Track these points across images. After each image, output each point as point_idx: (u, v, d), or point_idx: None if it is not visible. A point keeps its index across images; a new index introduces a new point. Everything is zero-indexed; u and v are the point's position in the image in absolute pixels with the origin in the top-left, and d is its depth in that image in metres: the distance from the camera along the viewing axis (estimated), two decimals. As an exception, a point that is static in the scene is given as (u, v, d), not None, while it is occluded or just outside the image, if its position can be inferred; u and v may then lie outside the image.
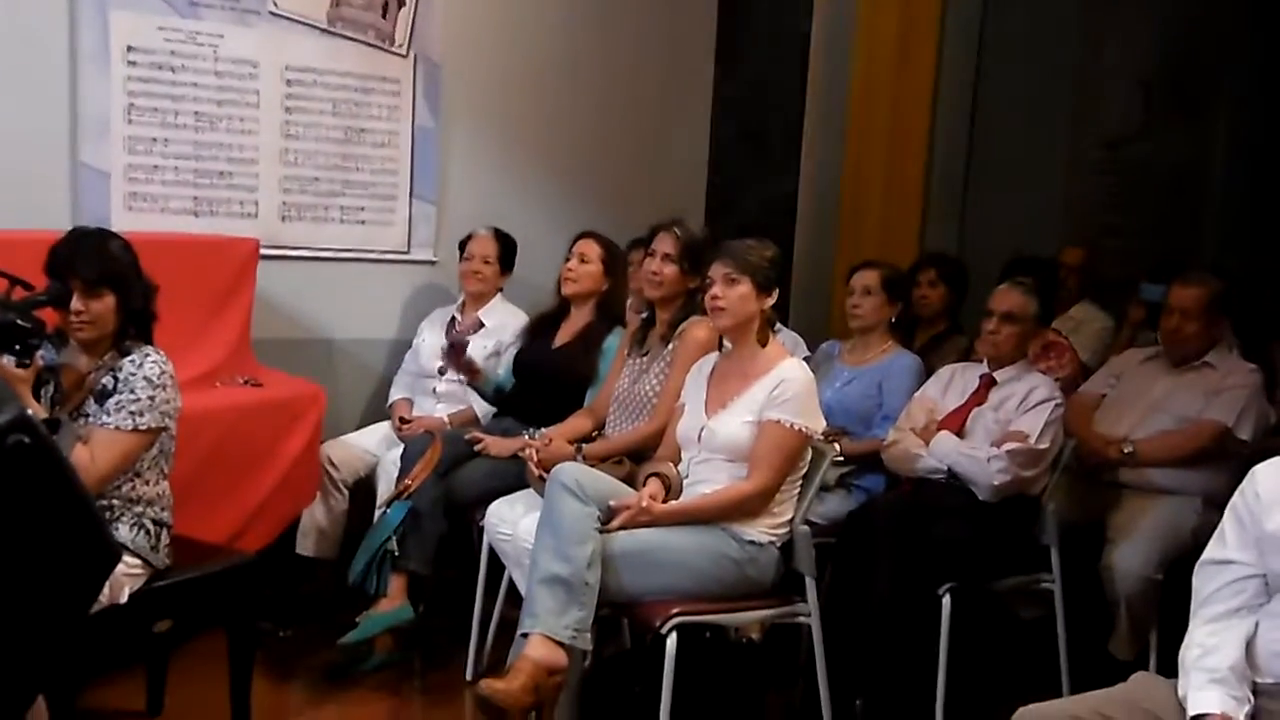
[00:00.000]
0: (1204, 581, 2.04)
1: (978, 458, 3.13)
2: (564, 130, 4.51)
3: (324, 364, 4.03)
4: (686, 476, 2.85)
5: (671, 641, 2.58)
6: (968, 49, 5.43)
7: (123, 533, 2.53)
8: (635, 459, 3.06)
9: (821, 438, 2.85)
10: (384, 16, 4.04)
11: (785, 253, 3.75)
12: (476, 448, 3.44)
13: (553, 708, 2.65)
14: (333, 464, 3.67)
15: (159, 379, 2.53)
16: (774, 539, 2.77)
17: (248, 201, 3.89)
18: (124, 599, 2.50)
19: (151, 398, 2.51)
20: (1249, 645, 1.95)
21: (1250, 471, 2.05)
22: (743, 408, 2.78)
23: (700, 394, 2.90)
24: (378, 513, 3.43)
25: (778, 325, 3.20)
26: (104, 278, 2.51)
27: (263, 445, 3.34)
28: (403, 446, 3.53)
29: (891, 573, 2.97)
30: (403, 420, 3.81)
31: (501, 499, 3.20)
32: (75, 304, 2.49)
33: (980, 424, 3.24)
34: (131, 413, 2.49)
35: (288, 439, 3.40)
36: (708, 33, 4.87)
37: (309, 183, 4.00)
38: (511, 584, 3.16)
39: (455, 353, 3.65)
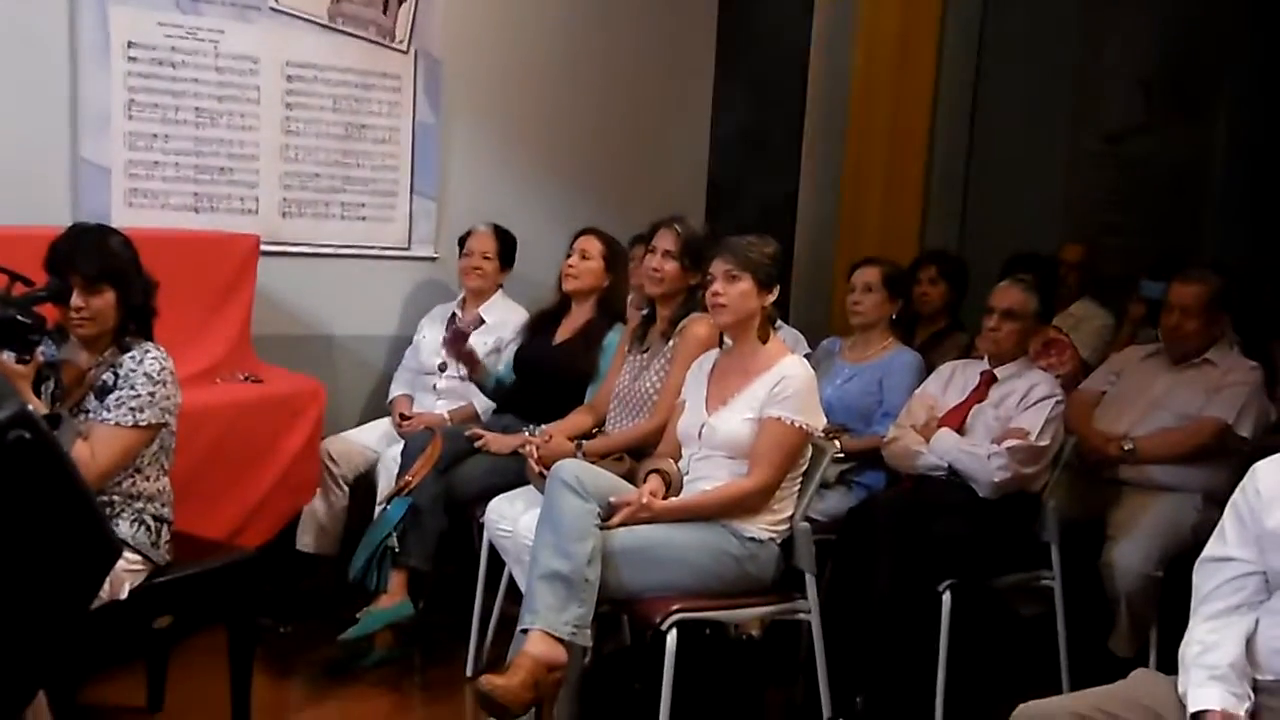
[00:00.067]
0: (1204, 578, 2.04)
1: (978, 455, 3.13)
2: (565, 127, 4.51)
3: (324, 360, 4.03)
4: (687, 473, 2.85)
5: (671, 638, 2.58)
6: (968, 49, 5.43)
7: (123, 529, 2.53)
8: (635, 456, 3.05)
9: (822, 435, 2.85)
10: (385, 12, 4.04)
11: (786, 251, 3.75)
12: (477, 444, 3.44)
13: (552, 704, 2.65)
14: (333, 460, 3.68)
15: (159, 375, 2.53)
16: (774, 536, 2.77)
17: (248, 197, 3.89)
18: (124, 595, 2.50)
19: (152, 394, 2.51)
20: (1249, 642, 1.95)
21: (1251, 469, 2.05)
22: (743, 404, 2.78)
23: (701, 391, 2.90)
24: (378, 509, 3.43)
25: (778, 322, 3.21)
26: (104, 274, 2.51)
27: (263, 441, 3.34)
28: (403, 443, 3.53)
29: (892, 569, 2.97)
30: (403, 416, 3.81)
31: (502, 495, 3.21)
32: (75, 300, 2.49)
33: (981, 421, 3.24)
34: (132, 409, 2.49)
35: (288, 435, 3.41)
36: (708, 32, 4.87)
37: (309, 179, 4.00)
38: (511, 580, 3.16)
39: (456, 341, 3.63)
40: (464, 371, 3.70)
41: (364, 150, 4.08)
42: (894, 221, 5.14)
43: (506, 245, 3.99)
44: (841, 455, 3.21)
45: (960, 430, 3.24)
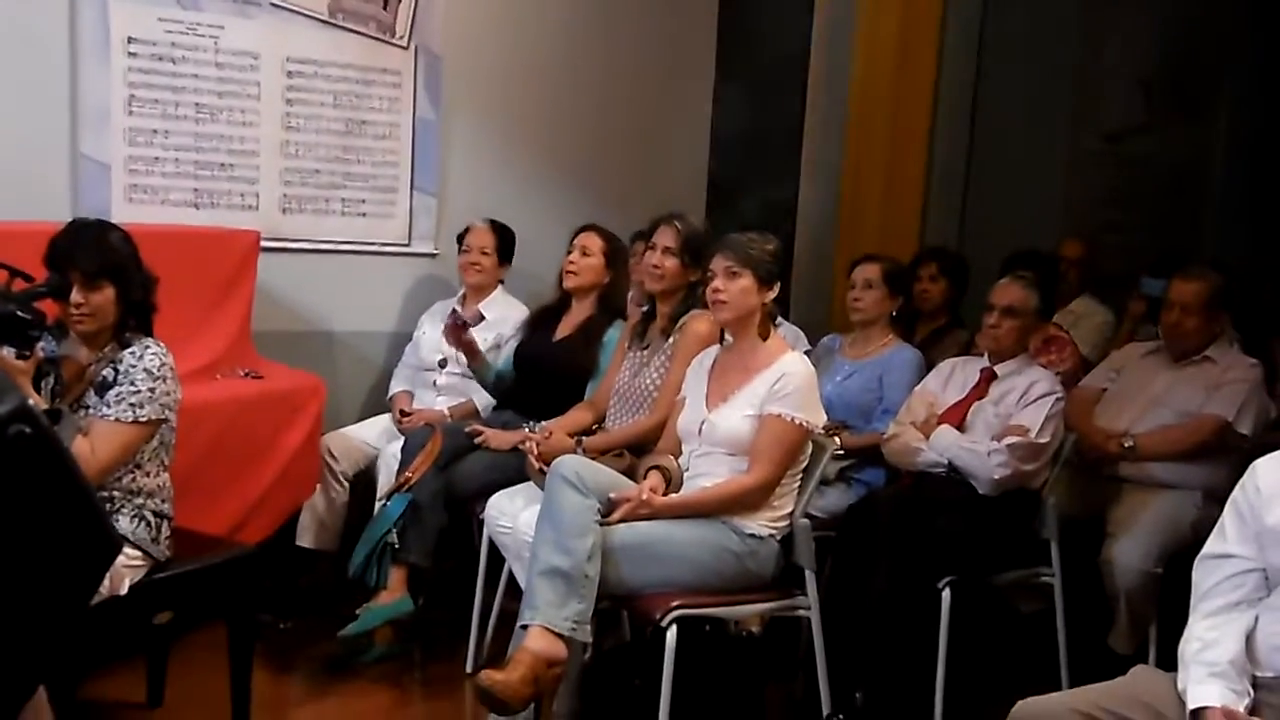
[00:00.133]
0: (1204, 575, 2.04)
1: (978, 451, 3.14)
2: (565, 124, 4.51)
3: (324, 356, 4.03)
4: (687, 470, 2.85)
5: (671, 634, 2.58)
6: (968, 49, 5.43)
7: (123, 524, 2.53)
8: (636, 452, 3.05)
9: (822, 431, 2.85)
10: (385, 8, 4.04)
11: (786, 248, 3.75)
12: (477, 440, 3.44)
13: (552, 699, 2.66)
14: (333, 456, 3.68)
15: (159, 371, 2.53)
16: (774, 532, 2.77)
17: (248, 193, 3.89)
18: (124, 590, 2.50)
19: (152, 389, 2.51)
20: (1249, 639, 1.95)
21: (1250, 466, 2.05)
22: (743, 401, 2.78)
23: (701, 387, 2.90)
24: (378, 505, 3.43)
25: (779, 319, 3.20)
26: (104, 270, 2.51)
27: (263, 437, 3.34)
28: (403, 439, 3.53)
29: (891, 566, 2.98)
30: (403, 413, 3.81)
31: (501, 492, 3.21)
32: (75, 296, 2.48)
33: (981, 418, 3.24)
34: (132, 404, 2.49)
35: (288, 431, 3.41)
36: (708, 32, 4.87)
37: (310, 175, 4.00)
38: (511, 576, 3.16)
39: (456, 329, 3.61)
40: (464, 361, 3.70)
41: (364, 146, 4.08)
42: (894, 220, 5.14)
43: (505, 240, 3.99)
44: (841, 452, 3.20)
45: (960, 427, 3.24)
